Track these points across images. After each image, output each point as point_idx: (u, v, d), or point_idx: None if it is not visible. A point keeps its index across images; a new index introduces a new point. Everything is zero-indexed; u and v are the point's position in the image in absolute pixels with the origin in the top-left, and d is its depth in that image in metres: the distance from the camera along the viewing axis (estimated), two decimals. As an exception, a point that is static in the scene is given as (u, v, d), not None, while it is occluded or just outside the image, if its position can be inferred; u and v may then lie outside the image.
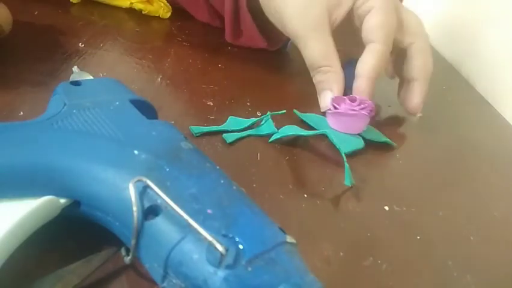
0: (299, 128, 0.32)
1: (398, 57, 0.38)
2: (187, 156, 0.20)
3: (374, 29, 0.33)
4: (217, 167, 0.20)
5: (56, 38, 0.36)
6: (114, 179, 0.18)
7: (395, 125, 0.39)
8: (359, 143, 0.32)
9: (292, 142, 0.32)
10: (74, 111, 0.21)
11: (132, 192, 0.17)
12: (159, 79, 0.35)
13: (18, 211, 0.17)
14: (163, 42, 0.42)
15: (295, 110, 0.34)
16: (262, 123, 0.33)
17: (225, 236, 0.16)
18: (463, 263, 0.25)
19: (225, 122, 0.32)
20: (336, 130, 0.33)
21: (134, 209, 0.17)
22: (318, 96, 0.35)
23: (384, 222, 0.27)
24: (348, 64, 0.35)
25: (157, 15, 0.45)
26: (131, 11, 0.45)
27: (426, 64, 0.37)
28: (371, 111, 0.32)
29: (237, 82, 0.38)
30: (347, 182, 0.28)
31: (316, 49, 0.33)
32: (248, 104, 0.35)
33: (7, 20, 0.31)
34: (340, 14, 0.34)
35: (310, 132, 0.32)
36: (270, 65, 0.42)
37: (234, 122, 0.32)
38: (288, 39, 0.45)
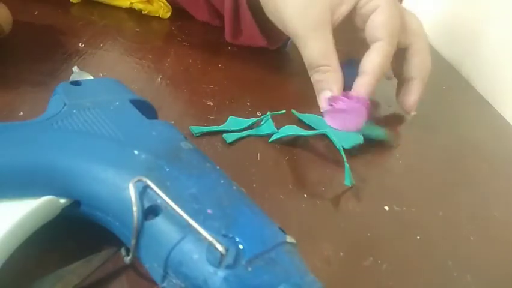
0: (299, 128, 0.32)
1: (397, 57, 0.38)
2: (187, 156, 0.20)
3: (380, 28, 0.33)
4: (217, 167, 0.20)
5: (56, 38, 0.36)
6: (114, 179, 0.18)
7: (395, 125, 0.39)
8: (358, 139, 0.32)
9: (292, 142, 0.32)
10: (74, 111, 0.21)
11: (132, 192, 0.17)
12: (159, 79, 0.35)
13: (18, 211, 0.17)
14: (163, 42, 0.42)
15: (293, 110, 0.34)
16: (262, 123, 0.33)
17: (225, 236, 0.16)
18: (463, 263, 0.26)
19: (225, 122, 0.32)
20: (334, 128, 0.33)
21: (134, 209, 0.17)
22: (316, 96, 0.34)
23: (384, 222, 0.27)
24: (347, 64, 0.35)
25: (157, 15, 0.45)
26: (131, 11, 0.45)
27: (425, 64, 0.37)
28: (367, 107, 0.32)
29: (237, 82, 0.38)
30: (347, 182, 0.28)
31: (316, 48, 0.33)
32: (248, 104, 0.35)
33: (7, 20, 0.31)
34: (342, 13, 0.34)
35: (310, 132, 0.32)
36: (270, 65, 0.42)
37: (234, 122, 0.32)
38: (288, 38, 0.45)
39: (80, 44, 0.36)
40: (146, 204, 0.17)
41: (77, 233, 0.20)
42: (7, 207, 0.17)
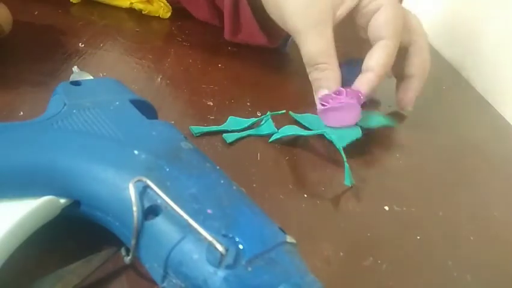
0: (299, 128, 0.32)
1: (397, 56, 0.38)
2: (187, 156, 0.20)
3: (384, 26, 0.33)
4: (217, 167, 0.20)
5: (56, 38, 0.36)
6: (114, 179, 0.18)
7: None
8: (357, 133, 0.32)
9: (292, 142, 0.32)
10: (74, 111, 0.21)
11: (132, 192, 0.17)
12: (159, 79, 0.35)
13: (18, 211, 0.17)
14: (163, 42, 0.42)
15: (290, 112, 0.34)
16: (262, 123, 0.33)
17: (225, 236, 0.16)
18: (463, 263, 0.25)
19: (225, 122, 0.32)
20: (332, 126, 0.33)
21: (134, 209, 0.17)
22: (314, 94, 0.34)
23: (384, 222, 0.27)
24: (347, 64, 0.35)
25: (157, 15, 0.45)
26: (131, 11, 0.45)
27: (425, 63, 0.37)
28: (359, 98, 0.32)
29: (237, 82, 0.38)
30: (347, 182, 0.28)
31: (316, 45, 0.33)
32: (248, 104, 0.35)
33: (7, 20, 0.31)
34: (343, 11, 0.34)
35: (310, 132, 0.32)
36: (270, 65, 0.42)
37: (234, 122, 0.32)
38: (287, 38, 0.45)
39: (80, 44, 0.36)
40: (146, 204, 0.17)
41: (77, 233, 0.20)
42: (7, 207, 0.17)
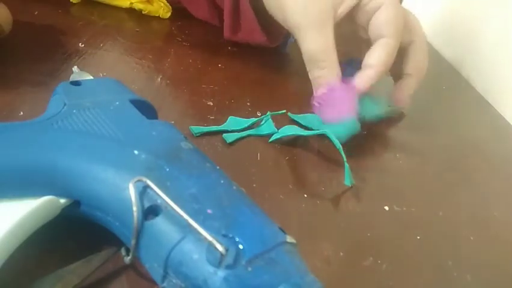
0: (299, 128, 0.32)
1: (396, 55, 0.38)
2: (187, 156, 0.20)
3: (385, 25, 0.33)
4: (217, 167, 0.20)
5: (56, 38, 0.36)
6: (114, 179, 0.18)
7: (394, 125, 0.39)
8: (354, 128, 0.32)
9: (292, 142, 0.32)
10: (74, 111, 0.21)
11: (132, 192, 0.17)
12: (159, 79, 0.35)
13: (18, 211, 0.17)
14: (163, 42, 0.42)
15: (289, 113, 0.34)
16: (262, 123, 0.33)
17: (225, 236, 0.16)
18: (463, 263, 0.26)
19: (225, 122, 0.32)
20: (331, 122, 0.32)
21: (134, 209, 0.17)
22: (314, 93, 0.34)
23: (384, 222, 0.27)
24: (347, 63, 0.35)
25: (157, 15, 0.45)
26: (131, 11, 0.45)
27: (423, 63, 0.38)
28: (349, 91, 0.32)
29: (237, 82, 0.38)
30: (347, 182, 0.28)
31: (316, 42, 0.33)
32: (248, 104, 0.35)
33: (7, 20, 0.31)
34: (344, 9, 0.34)
35: (310, 132, 0.32)
36: (270, 65, 0.42)
37: (234, 122, 0.32)
38: (287, 38, 0.45)
39: (80, 44, 0.36)
40: (146, 204, 0.17)
41: (77, 233, 0.20)
42: (7, 207, 0.17)
